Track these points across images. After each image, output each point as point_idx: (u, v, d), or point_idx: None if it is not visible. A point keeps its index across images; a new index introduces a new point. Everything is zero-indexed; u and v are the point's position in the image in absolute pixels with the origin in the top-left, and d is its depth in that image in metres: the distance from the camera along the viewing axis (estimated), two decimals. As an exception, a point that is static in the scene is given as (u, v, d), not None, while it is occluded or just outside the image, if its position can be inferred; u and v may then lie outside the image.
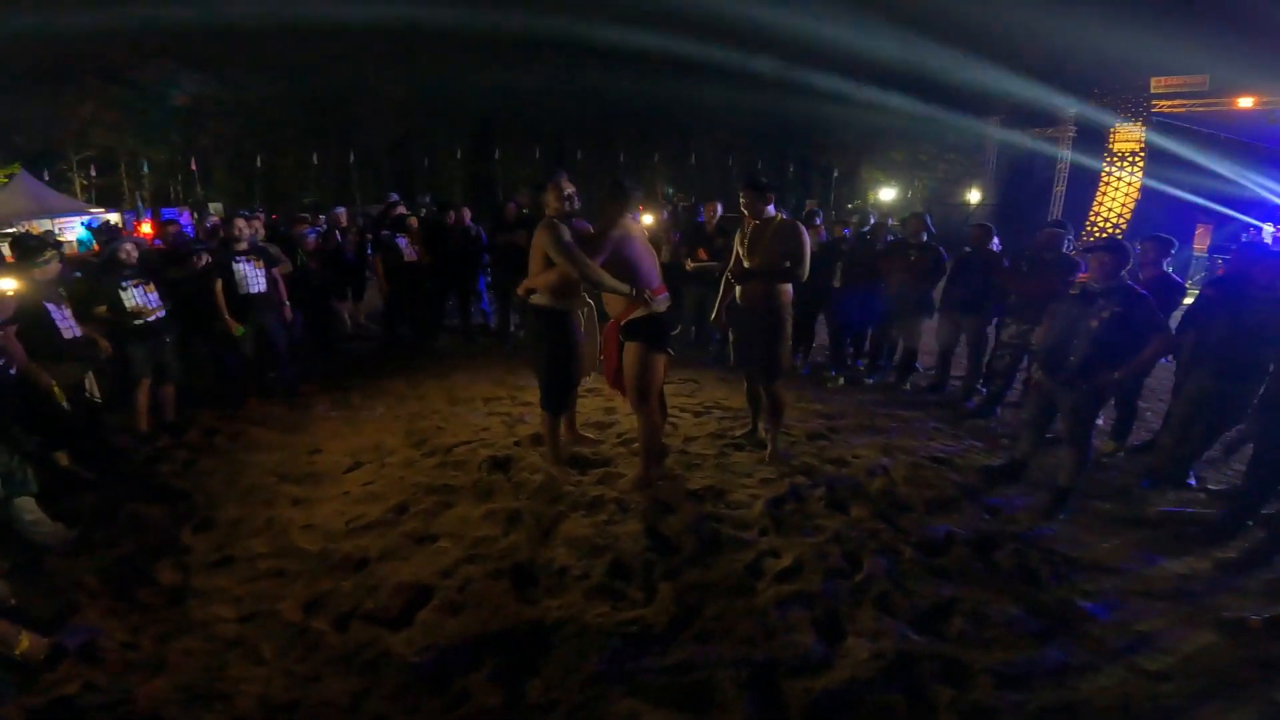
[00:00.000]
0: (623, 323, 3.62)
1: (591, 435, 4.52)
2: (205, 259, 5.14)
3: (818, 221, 7.05)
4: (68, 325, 4.12)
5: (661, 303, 3.59)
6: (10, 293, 3.27)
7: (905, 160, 33.78)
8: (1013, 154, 25.56)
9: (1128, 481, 4.34)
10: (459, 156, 34.92)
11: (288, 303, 5.65)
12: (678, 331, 3.77)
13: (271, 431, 4.93)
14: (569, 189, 3.60)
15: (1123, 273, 3.75)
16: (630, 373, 3.62)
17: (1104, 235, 20.13)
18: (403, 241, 7.05)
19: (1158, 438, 4.69)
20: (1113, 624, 2.87)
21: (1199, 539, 3.63)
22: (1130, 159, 20.08)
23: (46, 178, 25.00)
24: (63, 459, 4.07)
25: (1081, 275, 4.28)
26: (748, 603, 2.86)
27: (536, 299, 3.74)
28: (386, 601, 2.87)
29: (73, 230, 20.41)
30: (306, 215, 8.36)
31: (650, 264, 3.63)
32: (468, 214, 7.60)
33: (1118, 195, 20.34)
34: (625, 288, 3.48)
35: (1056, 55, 22.63)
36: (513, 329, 7.47)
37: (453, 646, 2.61)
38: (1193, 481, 4.33)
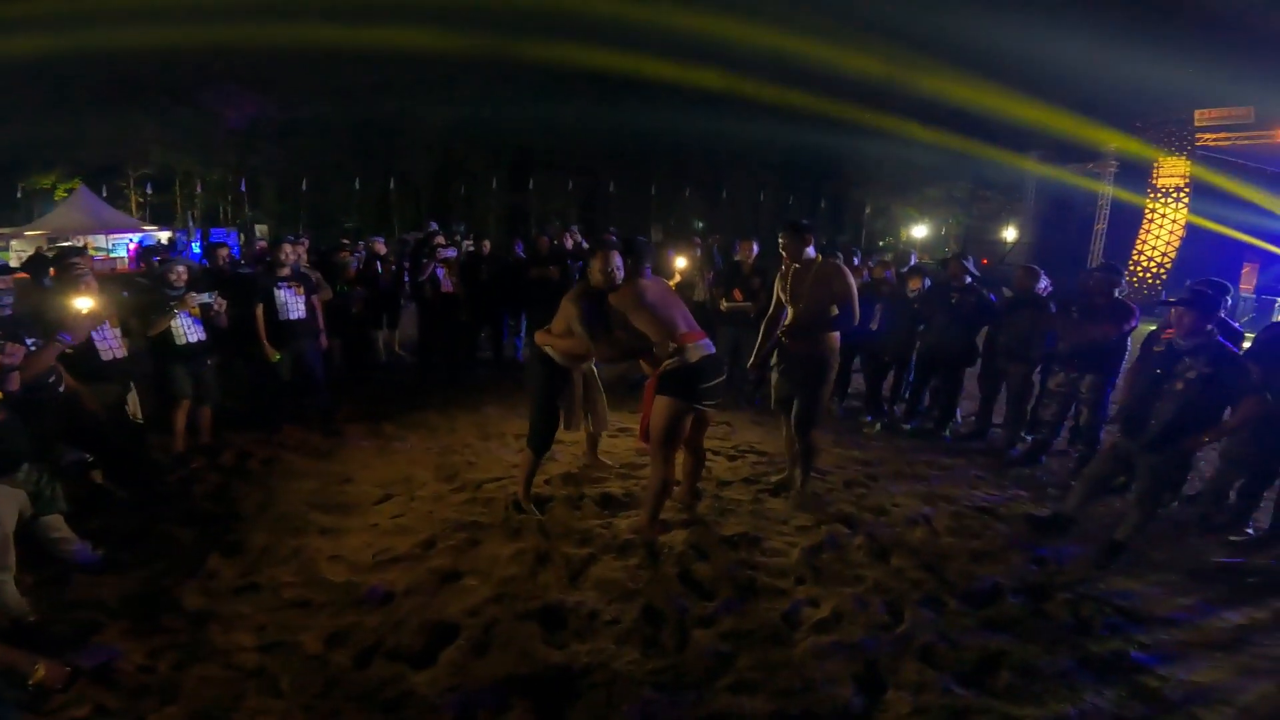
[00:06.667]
0: (659, 375, 3.53)
1: (612, 468, 4.55)
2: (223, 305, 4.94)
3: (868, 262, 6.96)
4: (106, 346, 4.15)
5: (694, 350, 3.45)
6: (85, 312, 3.31)
7: (939, 196, 33.43)
8: (1052, 190, 24.96)
9: (1182, 531, 4.17)
10: (494, 186, 35.57)
11: (324, 330, 5.72)
12: (720, 380, 3.65)
13: (305, 458, 4.95)
14: (615, 262, 3.52)
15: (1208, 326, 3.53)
16: (653, 420, 3.55)
17: (1148, 272, 19.64)
18: (440, 272, 7.12)
19: (1210, 483, 4.53)
20: (1168, 675, 2.75)
21: (1257, 588, 3.50)
22: (1175, 194, 19.55)
23: (105, 194, 25.97)
24: (97, 476, 4.11)
25: (1168, 331, 3.90)
26: (784, 653, 2.76)
27: (546, 349, 3.85)
28: (410, 639, 2.81)
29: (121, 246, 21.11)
30: (348, 242, 8.50)
31: (673, 311, 3.53)
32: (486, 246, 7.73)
33: (1162, 232, 19.78)
34: (647, 345, 3.46)
35: (1097, 88, 22.10)
36: None
37: (477, 689, 2.53)
38: (1250, 530, 4.15)
